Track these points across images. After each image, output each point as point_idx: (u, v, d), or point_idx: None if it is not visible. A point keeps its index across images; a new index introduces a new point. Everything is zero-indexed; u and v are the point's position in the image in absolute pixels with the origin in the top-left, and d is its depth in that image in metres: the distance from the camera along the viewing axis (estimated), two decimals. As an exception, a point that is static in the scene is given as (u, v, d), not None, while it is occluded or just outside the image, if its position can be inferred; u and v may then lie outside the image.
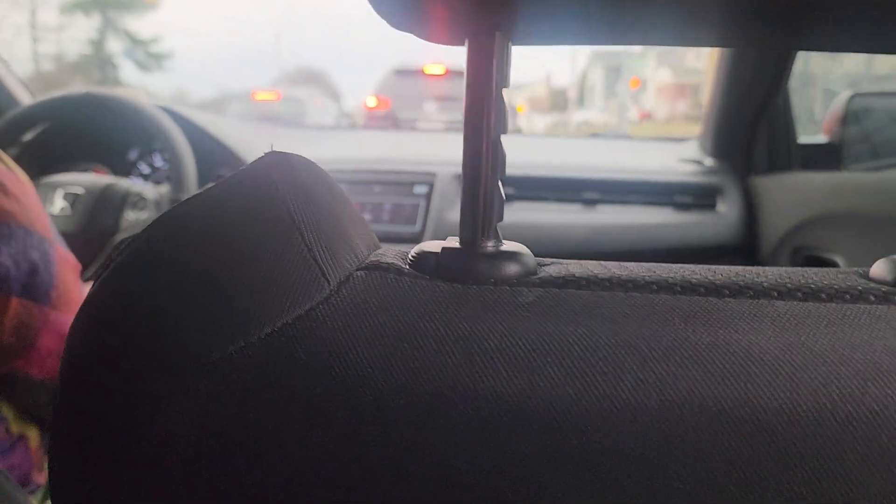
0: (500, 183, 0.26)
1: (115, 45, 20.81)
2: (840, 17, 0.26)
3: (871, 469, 0.20)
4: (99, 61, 20.18)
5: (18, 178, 0.63)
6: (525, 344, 0.22)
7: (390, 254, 0.27)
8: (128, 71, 20.87)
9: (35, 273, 0.62)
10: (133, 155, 1.40)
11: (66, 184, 1.13)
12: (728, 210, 1.32)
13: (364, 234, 0.28)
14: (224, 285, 0.23)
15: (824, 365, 0.21)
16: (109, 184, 1.13)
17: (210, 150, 1.32)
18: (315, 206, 0.26)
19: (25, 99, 1.37)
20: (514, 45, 0.27)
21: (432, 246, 0.26)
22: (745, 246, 1.30)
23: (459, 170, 1.39)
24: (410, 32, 0.29)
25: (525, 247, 0.26)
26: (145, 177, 1.39)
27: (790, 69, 1.27)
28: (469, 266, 0.25)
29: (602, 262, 0.26)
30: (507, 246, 0.26)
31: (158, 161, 1.38)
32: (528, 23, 0.27)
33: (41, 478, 0.71)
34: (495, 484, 0.21)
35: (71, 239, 1.06)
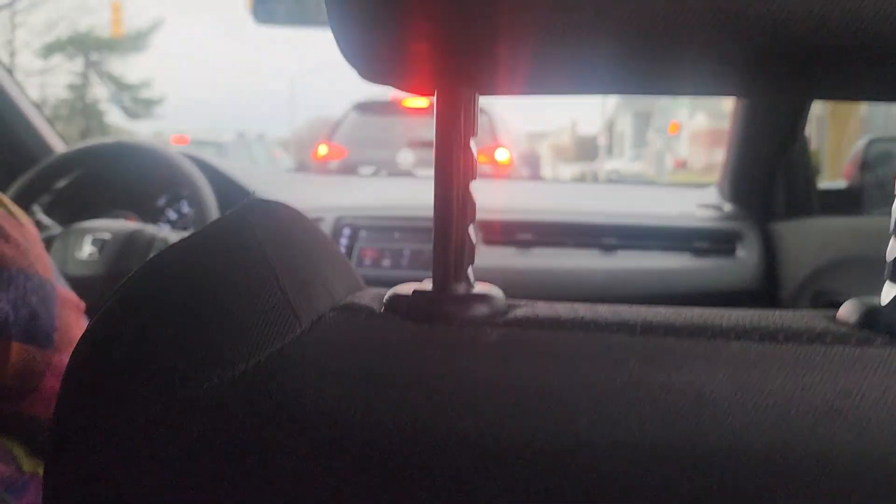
0: (470, 228, 0.29)
1: (101, 91, 20.73)
2: (854, 69, 0.27)
3: None
4: (83, 106, 20.22)
5: (18, 220, 0.68)
6: (483, 384, 0.24)
7: (368, 296, 0.30)
8: (114, 117, 20.70)
9: (35, 317, 0.67)
10: (162, 202, 1.51)
11: (95, 230, 1.23)
12: (747, 255, 1.39)
13: (344, 277, 0.31)
14: (199, 324, 0.26)
15: (775, 406, 0.22)
16: (136, 230, 1.23)
17: (235, 197, 1.42)
18: (291, 250, 0.29)
19: (58, 147, 1.48)
20: (481, 94, 0.29)
21: (407, 288, 0.29)
22: (764, 291, 1.36)
23: (480, 215, 1.44)
24: (380, 83, 0.31)
25: (497, 288, 0.29)
26: (172, 223, 1.49)
27: (807, 114, 1.35)
28: (437, 308, 0.27)
29: (573, 305, 0.28)
30: (479, 288, 0.29)
31: (186, 207, 1.48)
32: (495, 74, 0.29)
33: None
34: None
35: (97, 283, 1.17)
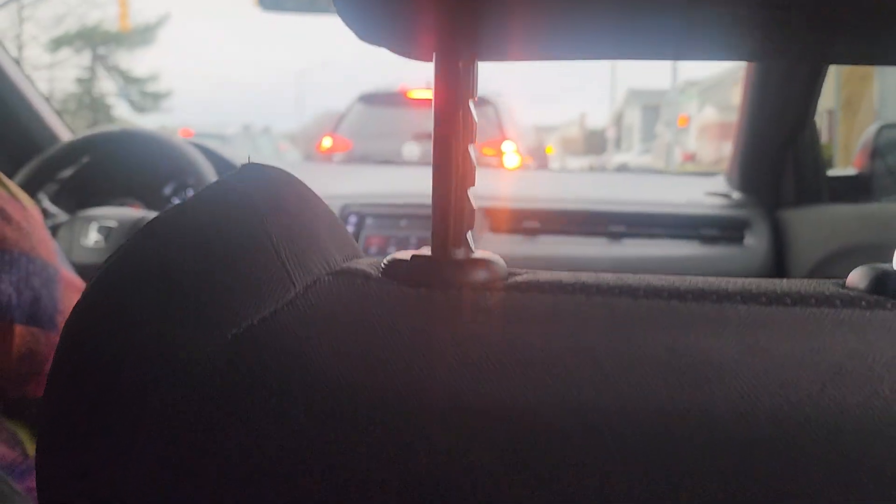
0: (469, 192, 0.28)
1: (108, 85, 20.78)
2: (871, 29, 0.26)
3: (831, 471, 0.21)
4: (90, 100, 20.28)
5: (21, 203, 0.69)
6: (482, 347, 0.23)
7: (365, 262, 0.29)
8: (122, 111, 20.76)
9: (38, 300, 0.67)
10: (168, 190, 1.51)
11: (101, 217, 1.24)
12: (756, 243, 1.38)
13: (343, 247, 0.30)
14: (195, 288, 0.26)
15: (783, 368, 0.22)
16: (142, 217, 1.24)
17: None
18: (286, 214, 0.28)
19: (65, 136, 1.49)
20: (480, 60, 0.29)
21: (405, 254, 0.28)
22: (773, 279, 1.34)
23: (487, 203, 1.45)
24: (378, 45, 0.31)
25: (498, 256, 0.28)
26: None
27: (817, 100, 1.34)
28: (436, 272, 0.27)
29: (575, 272, 0.27)
30: (479, 254, 0.28)
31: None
32: (496, 38, 0.29)
33: None
34: (449, 484, 0.22)
35: (104, 270, 1.16)
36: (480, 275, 0.27)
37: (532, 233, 1.42)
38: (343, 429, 0.23)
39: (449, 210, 0.28)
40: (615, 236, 1.42)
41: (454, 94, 0.27)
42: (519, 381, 0.23)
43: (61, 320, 0.70)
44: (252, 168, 0.29)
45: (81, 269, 0.78)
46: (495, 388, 0.23)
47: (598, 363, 0.23)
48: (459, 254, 0.28)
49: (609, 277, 0.26)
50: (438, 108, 0.28)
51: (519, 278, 0.27)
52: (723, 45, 0.30)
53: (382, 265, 0.28)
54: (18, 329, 0.65)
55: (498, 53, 0.31)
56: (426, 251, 0.28)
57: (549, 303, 0.25)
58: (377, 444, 0.23)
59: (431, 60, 0.28)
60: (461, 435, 0.22)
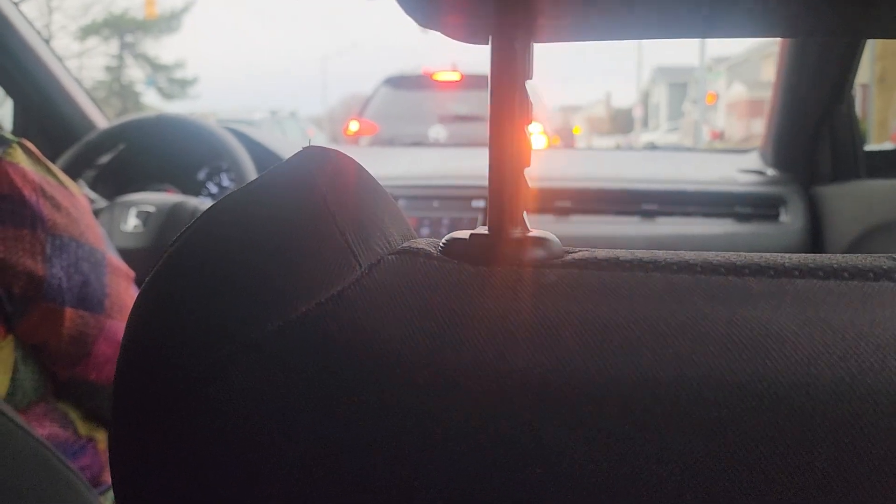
0: (525, 172, 0.29)
1: (136, 73, 21.10)
2: None
3: (894, 443, 0.21)
4: (119, 88, 20.57)
5: (70, 190, 0.71)
6: (545, 321, 0.24)
7: (423, 242, 0.30)
8: (150, 98, 21.07)
9: (87, 284, 0.70)
10: (202, 175, 1.53)
11: (139, 202, 1.26)
12: (791, 220, 1.37)
13: (399, 226, 0.31)
14: (261, 269, 0.26)
15: (843, 340, 0.22)
16: (178, 202, 1.26)
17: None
18: (348, 195, 0.29)
19: (101, 122, 1.51)
20: (535, 42, 0.29)
21: (463, 234, 0.29)
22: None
23: None
24: (435, 30, 0.32)
25: (553, 234, 0.29)
26: (213, 196, 1.51)
27: (854, 74, 1.32)
28: (495, 250, 0.27)
29: (631, 250, 0.28)
30: (536, 233, 0.28)
31: (226, 181, 1.51)
32: (550, 18, 0.29)
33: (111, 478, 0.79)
34: (517, 455, 0.23)
35: (143, 254, 1.20)
36: (538, 252, 0.27)
37: (564, 213, 1.42)
38: (412, 404, 0.24)
39: (505, 189, 0.28)
40: (648, 215, 1.41)
41: (510, 76, 0.28)
42: (581, 354, 0.23)
43: (108, 304, 0.72)
44: (311, 151, 0.30)
45: (121, 254, 0.80)
46: (559, 361, 0.23)
47: (659, 335, 0.23)
48: (516, 232, 0.28)
49: (666, 254, 0.26)
50: (495, 90, 0.28)
51: (576, 255, 0.27)
52: (766, 20, 0.30)
53: (441, 244, 0.29)
54: (69, 312, 0.68)
55: (552, 35, 0.32)
56: (483, 230, 0.29)
57: (607, 279, 0.25)
58: (447, 420, 0.23)
59: (487, 43, 0.28)
60: (528, 408, 0.23)
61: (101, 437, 0.79)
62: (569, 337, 0.24)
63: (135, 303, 0.29)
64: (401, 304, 0.25)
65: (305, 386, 0.25)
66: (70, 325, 0.69)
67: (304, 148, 0.30)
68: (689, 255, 0.26)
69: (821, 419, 0.21)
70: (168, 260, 0.28)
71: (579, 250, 0.28)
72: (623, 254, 0.27)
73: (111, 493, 0.79)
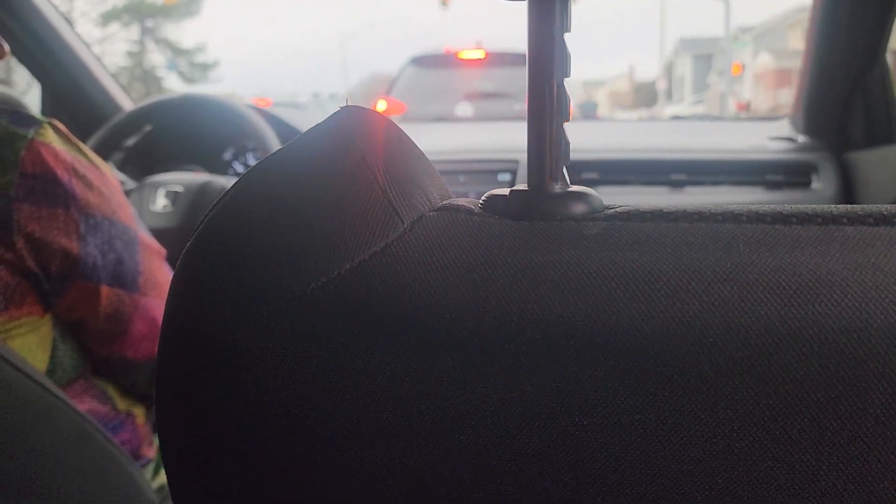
0: (565, 125, 0.28)
1: (157, 58, 21.20)
2: None
3: None
4: (141, 73, 20.67)
5: (101, 170, 0.72)
6: (590, 272, 0.24)
7: (462, 200, 0.30)
8: (172, 82, 21.21)
9: (121, 262, 0.71)
10: (228, 155, 1.54)
11: (168, 183, 1.27)
12: (823, 187, 1.35)
13: (438, 186, 0.31)
14: (305, 226, 0.27)
15: (895, 283, 0.22)
16: (206, 181, 1.27)
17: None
18: (388, 153, 0.29)
19: (126, 104, 1.53)
20: None
21: (503, 191, 0.29)
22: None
23: None
24: None
25: (593, 190, 0.28)
26: (239, 175, 1.51)
27: (888, 37, 1.29)
28: (536, 205, 0.27)
29: (675, 204, 0.28)
30: (576, 188, 0.28)
31: (252, 160, 1.52)
32: None
33: (151, 452, 0.82)
34: (561, 406, 0.23)
35: (172, 233, 1.21)
36: (579, 207, 0.27)
37: (591, 184, 1.41)
38: (455, 356, 0.24)
39: (545, 144, 0.28)
40: (678, 184, 1.40)
41: (549, 30, 0.27)
42: (626, 301, 0.23)
43: (142, 281, 0.73)
44: (350, 110, 0.30)
45: (152, 234, 0.81)
46: (603, 310, 0.23)
47: (705, 282, 0.23)
48: (557, 187, 0.28)
49: (710, 206, 0.26)
50: (533, 45, 0.28)
51: (618, 209, 0.27)
52: None
53: (481, 201, 0.29)
54: (105, 290, 0.69)
55: None
56: (523, 187, 0.29)
57: (651, 229, 0.25)
58: (489, 369, 0.24)
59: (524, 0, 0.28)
60: (573, 358, 0.23)
61: (139, 413, 0.80)
62: (613, 286, 0.23)
63: (175, 272, 0.29)
64: (444, 259, 0.25)
65: (350, 338, 0.25)
66: (106, 303, 0.70)
67: (341, 108, 0.30)
68: (734, 207, 0.26)
69: (874, 364, 0.21)
70: (213, 216, 0.29)
71: (621, 205, 0.28)
72: (666, 206, 0.26)
73: (151, 466, 0.81)
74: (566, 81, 0.28)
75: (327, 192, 0.27)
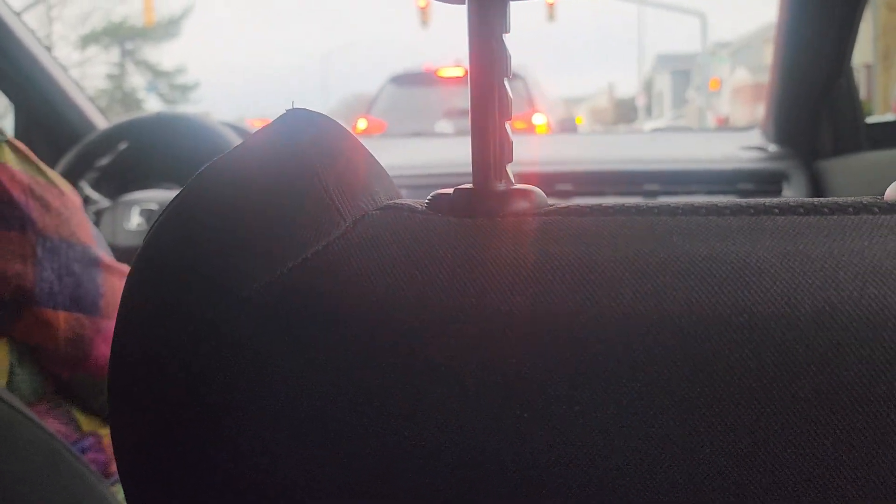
0: (507, 125, 0.29)
1: (137, 80, 21.19)
2: None
3: (875, 370, 0.21)
4: (121, 95, 20.63)
5: (60, 189, 0.69)
6: (528, 264, 0.25)
7: (409, 200, 0.30)
8: (153, 104, 21.19)
9: (80, 285, 0.68)
10: None
11: (142, 201, 1.27)
12: (794, 195, 1.38)
13: (385, 187, 0.32)
14: (248, 227, 0.27)
15: (822, 270, 0.22)
16: None
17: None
18: (332, 155, 0.29)
19: (101, 123, 1.52)
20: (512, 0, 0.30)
21: (447, 190, 0.29)
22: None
23: (518, 168, 1.46)
24: None
25: (538, 188, 0.29)
26: None
27: (853, 45, 1.31)
28: (479, 202, 0.28)
29: (615, 200, 0.30)
30: (519, 186, 0.29)
31: None
32: None
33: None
34: (502, 399, 0.23)
35: (148, 251, 1.19)
36: (522, 204, 0.28)
37: (565, 196, 1.42)
38: (398, 350, 0.24)
39: (489, 143, 0.28)
40: (651, 195, 1.41)
41: (488, 30, 0.28)
42: (562, 293, 0.24)
43: (104, 304, 0.71)
44: (296, 112, 0.30)
45: (127, 252, 0.80)
46: (541, 302, 0.24)
47: (639, 272, 0.23)
48: (500, 186, 0.28)
49: (649, 202, 0.27)
50: (474, 46, 0.28)
51: (559, 206, 0.28)
52: None
53: (426, 200, 0.29)
54: (63, 315, 0.67)
55: None
56: (468, 186, 0.29)
57: (589, 223, 0.26)
58: (432, 364, 0.24)
59: (464, 3, 0.28)
60: (511, 350, 0.23)
61: (105, 433, 0.78)
62: (550, 278, 0.24)
63: (126, 280, 0.29)
64: (385, 256, 0.26)
65: (294, 339, 0.25)
66: (66, 329, 0.68)
67: (287, 111, 0.30)
68: (672, 202, 0.26)
69: (803, 350, 0.21)
70: (160, 224, 0.29)
71: (564, 202, 0.29)
72: (606, 202, 0.27)
73: (121, 486, 0.79)
74: (505, 82, 0.28)
75: (269, 193, 0.28)
